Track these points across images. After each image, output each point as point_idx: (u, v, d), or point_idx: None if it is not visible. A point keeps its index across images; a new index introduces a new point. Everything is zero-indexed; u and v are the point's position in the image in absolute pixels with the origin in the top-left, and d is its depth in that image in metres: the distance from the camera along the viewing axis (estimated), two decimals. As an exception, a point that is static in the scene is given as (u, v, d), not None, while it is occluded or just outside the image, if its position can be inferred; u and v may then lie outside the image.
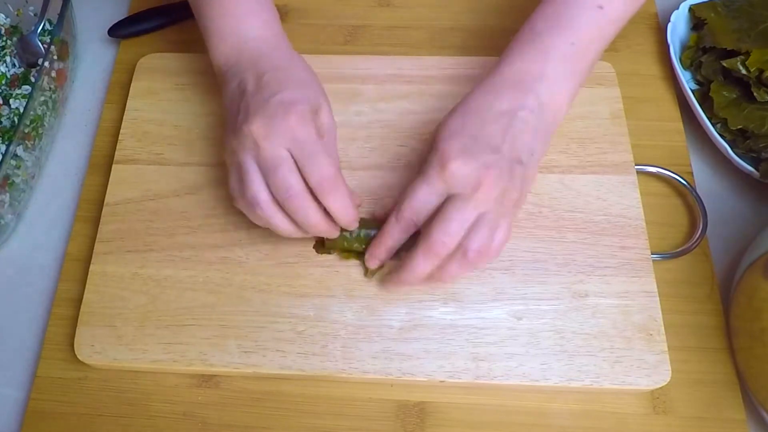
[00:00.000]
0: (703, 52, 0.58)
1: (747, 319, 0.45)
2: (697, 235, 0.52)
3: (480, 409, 0.47)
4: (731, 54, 0.55)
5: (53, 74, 0.57)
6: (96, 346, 0.47)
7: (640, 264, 0.49)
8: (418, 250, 0.42)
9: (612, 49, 0.62)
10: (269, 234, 0.51)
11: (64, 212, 0.56)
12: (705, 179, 0.56)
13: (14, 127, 0.58)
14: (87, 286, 0.50)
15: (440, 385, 0.47)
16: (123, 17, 0.65)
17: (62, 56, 0.59)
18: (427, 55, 0.60)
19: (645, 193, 0.52)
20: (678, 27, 0.60)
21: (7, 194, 0.53)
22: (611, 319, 0.47)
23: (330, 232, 0.45)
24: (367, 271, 0.48)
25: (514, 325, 0.47)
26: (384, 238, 0.45)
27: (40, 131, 0.56)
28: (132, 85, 0.58)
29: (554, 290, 0.48)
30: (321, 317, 0.48)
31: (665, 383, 0.45)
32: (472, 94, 0.44)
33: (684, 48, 0.60)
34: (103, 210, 0.53)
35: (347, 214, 0.43)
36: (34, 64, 0.61)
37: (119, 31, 0.64)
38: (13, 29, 0.63)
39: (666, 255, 0.51)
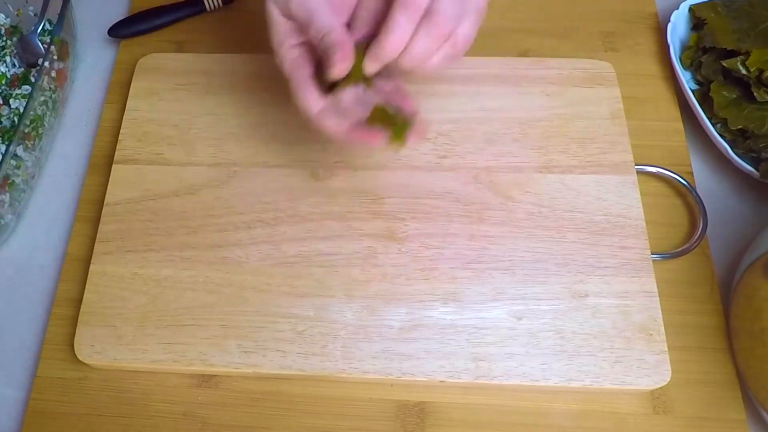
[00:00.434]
0: (703, 52, 0.58)
1: (747, 319, 0.45)
2: (697, 235, 0.52)
3: (480, 409, 0.47)
4: (731, 54, 0.55)
5: (53, 74, 0.57)
6: (96, 346, 0.47)
7: (640, 264, 0.49)
8: (395, 8, 0.39)
9: (612, 49, 0.62)
10: (269, 234, 0.51)
11: (64, 212, 0.56)
12: (705, 179, 0.56)
13: (14, 127, 0.58)
14: (87, 286, 0.50)
15: (440, 385, 0.47)
16: (123, 17, 0.65)
17: (62, 56, 0.59)
18: (427, 55, 0.59)
19: (645, 193, 0.52)
20: (678, 27, 0.60)
21: (7, 194, 0.53)
22: (611, 319, 0.47)
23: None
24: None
25: (514, 325, 0.47)
26: (392, 31, 0.40)
27: (40, 131, 0.56)
28: (132, 85, 0.58)
29: (554, 290, 0.48)
30: (321, 317, 0.48)
31: (665, 383, 0.45)
32: None
33: (684, 48, 0.60)
34: (103, 210, 0.53)
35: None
36: (34, 64, 0.61)
37: (119, 31, 0.64)
38: (13, 29, 0.63)
39: (666, 255, 0.51)
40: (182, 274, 0.50)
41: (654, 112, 0.58)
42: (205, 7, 0.64)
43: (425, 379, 0.46)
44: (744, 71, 0.54)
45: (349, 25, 0.44)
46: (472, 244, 0.50)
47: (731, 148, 0.53)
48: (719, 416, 0.46)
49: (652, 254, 0.50)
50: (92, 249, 0.51)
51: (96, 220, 0.53)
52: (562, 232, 0.50)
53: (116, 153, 0.55)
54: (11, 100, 0.59)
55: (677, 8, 0.60)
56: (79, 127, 0.61)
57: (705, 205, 0.53)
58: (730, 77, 0.55)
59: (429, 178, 0.53)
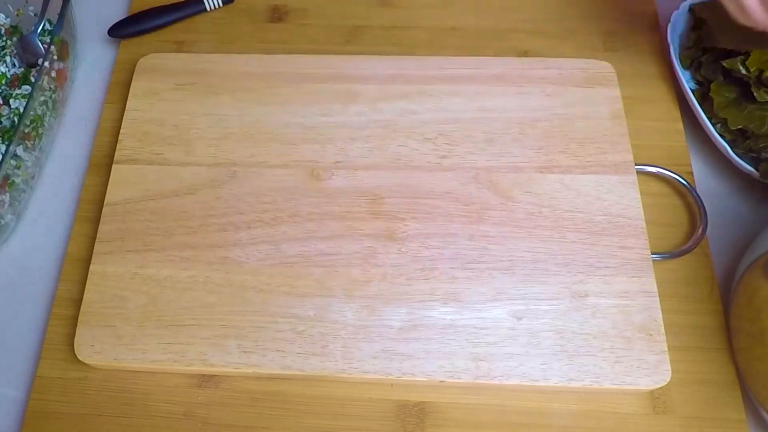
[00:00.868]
0: (703, 52, 0.58)
1: (747, 319, 0.45)
2: (697, 235, 0.52)
3: (480, 409, 0.47)
4: (731, 54, 0.55)
5: (53, 74, 0.57)
6: (96, 346, 0.47)
7: (640, 264, 0.49)
8: None
9: (612, 49, 0.62)
10: (269, 234, 0.51)
11: (64, 212, 0.56)
12: (705, 179, 0.56)
13: (14, 127, 0.58)
14: (87, 286, 0.50)
15: (440, 385, 0.47)
16: (123, 17, 0.65)
17: (62, 56, 0.59)
18: (427, 55, 0.60)
19: (645, 193, 0.52)
20: (678, 27, 0.60)
21: (7, 194, 0.53)
22: (611, 319, 0.47)
23: None
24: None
25: (514, 325, 0.47)
26: None
27: (40, 131, 0.56)
28: (132, 85, 0.58)
29: (554, 290, 0.48)
30: (321, 317, 0.48)
31: (665, 383, 0.45)
32: None
33: (684, 48, 0.60)
34: (103, 210, 0.53)
35: None
36: (34, 64, 0.61)
37: (119, 31, 0.64)
38: (13, 29, 0.63)
39: (666, 255, 0.51)
40: (182, 274, 0.50)
41: (654, 112, 0.58)
42: (205, 7, 0.64)
43: (425, 379, 0.46)
44: (744, 71, 0.54)
45: None
46: (472, 244, 0.50)
47: (731, 148, 0.53)
48: (719, 416, 0.46)
49: (652, 254, 0.50)
50: (92, 249, 0.51)
51: (96, 220, 0.53)
52: (562, 232, 0.50)
53: (116, 153, 0.55)
54: (11, 100, 0.59)
55: (677, 8, 0.60)
56: (79, 127, 0.61)
57: (705, 205, 0.53)
58: (730, 77, 0.55)
59: (429, 178, 0.53)
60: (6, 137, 0.58)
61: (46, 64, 0.55)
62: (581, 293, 0.48)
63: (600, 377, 0.45)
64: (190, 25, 0.65)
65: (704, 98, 0.56)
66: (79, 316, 0.48)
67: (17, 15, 0.63)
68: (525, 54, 0.62)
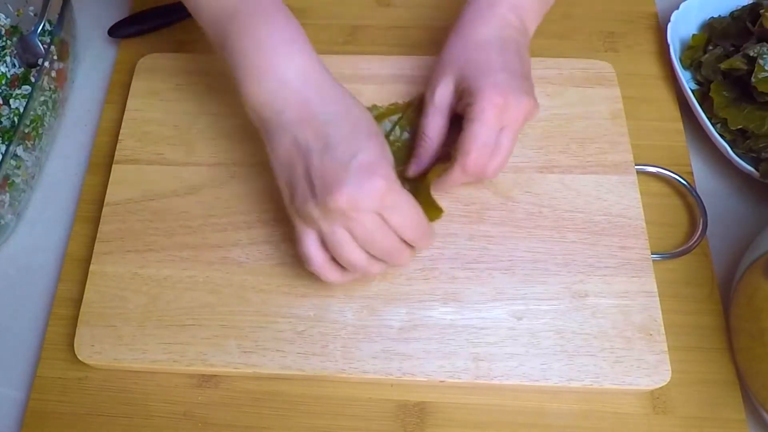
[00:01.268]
0: (704, 52, 0.58)
1: (747, 319, 0.45)
2: (697, 235, 0.52)
3: (480, 409, 0.47)
4: (731, 54, 0.55)
5: (53, 74, 0.57)
6: (96, 346, 0.47)
7: (640, 264, 0.49)
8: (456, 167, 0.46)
9: (612, 49, 0.62)
10: (269, 234, 0.51)
11: (64, 212, 0.56)
12: (705, 179, 0.56)
13: (14, 127, 0.58)
14: (87, 286, 0.50)
15: (440, 385, 0.47)
16: (123, 17, 0.65)
17: (62, 56, 0.59)
18: (427, 55, 0.60)
19: (645, 193, 0.52)
20: (678, 27, 0.60)
21: (7, 194, 0.53)
22: (611, 319, 0.47)
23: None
24: None
25: (514, 325, 0.47)
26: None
27: (40, 131, 0.56)
28: (132, 85, 0.58)
29: (554, 290, 0.48)
30: (321, 317, 0.48)
31: (665, 383, 0.45)
32: (468, 25, 0.47)
33: (684, 48, 0.60)
34: (103, 210, 0.53)
35: (430, 244, 0.45)
36: (34, 64, 0.61)
37: (119, 31, 0.64)
38: (13, 29, 0.63)
39: (666, 255, 0.51)
40: (182, 274, 0.50)
41: (654, 112, 0.58)
42: (205, 7, 0.64)
43: (425, 379, 0.46)
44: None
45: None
46: (472, 244, 0.50)
47: (731, 148, 0.53)
48: (719, 416, 0.46)
49: (652, 254, 0.50)
50: (92, 249, 0.51)
51: (96, 220, 0.53)
52: (562, 232, 0.50)
53: (116, 153, 0.55)
54: (11, 100, 0.59)
55: (677, 8, 0.60)
56: (79, 127, 0.61)
57: (705, 205, 0.53)
58: (730, 77, 0.55)
59: (429, 178, 0.53)
60: (6, 137, 0.58)
61: (46, 64, 0.55)
62: (581, 293, 0.48)
63: (600, 377, 0.45)
64: (190, 25, 0.64)
65: (704, 98, 0.56)
66: (79, 316, 0.48)
67: (17, 15, 0.63)
68: (525, 54, 0.61)
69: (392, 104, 0.54)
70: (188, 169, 0.54)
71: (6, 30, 0.63)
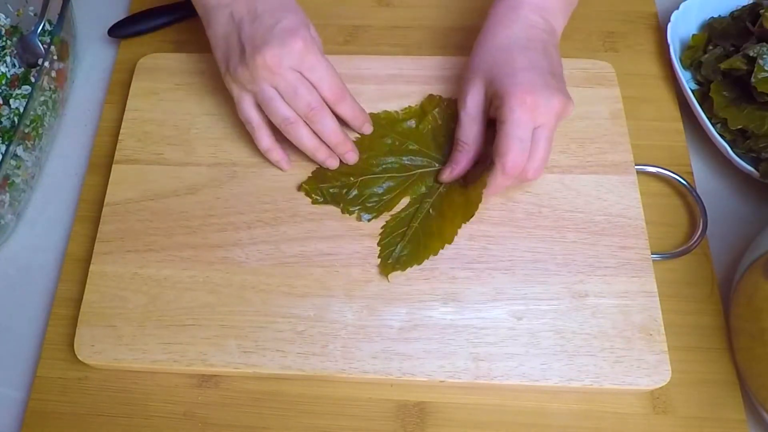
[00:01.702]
0: (704, 52, 0.58)
1: (747, 319, 0.45)
2: (697, 235, 0.52)
3: (480, 409, 0.47)
4: (731, 54, 0.55)
5: (53, 74, 0.57)
6: (96, 346, 0.47)
7: (640, 264, 0.49)
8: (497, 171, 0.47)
9: (612, 49, 0.62)
10: (269, 234, 0.51)
11: (64, 212, 0.56)
12: (705, 179, 0.56)
13: (14, 127, 0.58)
14: (87, 286, 0.50)
15: (440, 385, 0.47)
16: (123, 17, 0.65)
17: (62, 56, 0.59)
18: (427, 55, 0.60)
19: (645, 193, 0.52)
20: (678, 27, 0.60)
21: (7, 194, 0.53)
22: (611, 319, 0.47)
23: (343, 144, 0.51)
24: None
25: (514, 325, 0.47)
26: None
27: (40, 131, 0.56)
28: (132, 85, 0.58)
29: (554, 290, 0.48)
30: (321, 317, 0.48)
31: (665, 383, 0.45)
32: (492, 30, 0.50)
33: (684, 48, 0.60)
34: (103, 210, 0.53)
35: (359, 117, 0.52)
36: (34, 64, 0.61)
37: (119, 31, 0.64)
38: (13, 29, 0.63)
39: (666, 255, 0.51)
40: (182, 274, 0.50)
41: (654, 112, 0.58)
42: (205, 7, 0.64)
43: (425, 379, 0.46)
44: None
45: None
46: (472, 244, 0.50)
47: (731, 148, 0.53)
48: (719, 416, 0.46)
49: (652, 254, 0.50)
50: (92, 249, 0.51)
51: (96, 220, 0.53)
52: (562, 232, 0.50)
53: (116, 153, 0.55)
54: (11, 100, 0.59)
55: (677, 8, 0.60)
56: (79, 127, 0.61)
57: (705, 205, 0.53)
58: (730, 77, 0.55)
59: (429, 178, 0.53)
60: (6, 137, 0.58)
61: (46, 64, 0.55)
62: (581, 293, 0.48)
63: (600, 377, 0.45)
64: (190, 25, 0.64)
65: (704, 98, 0.56)
66: (79, 316, 0.48)
67: (17, 15, 0.63)
68: (525, 54, 0.61)
69: (406, 108, 0.56)
70: (188, 169, 0.54)
71: (6, 30, 0.63)
